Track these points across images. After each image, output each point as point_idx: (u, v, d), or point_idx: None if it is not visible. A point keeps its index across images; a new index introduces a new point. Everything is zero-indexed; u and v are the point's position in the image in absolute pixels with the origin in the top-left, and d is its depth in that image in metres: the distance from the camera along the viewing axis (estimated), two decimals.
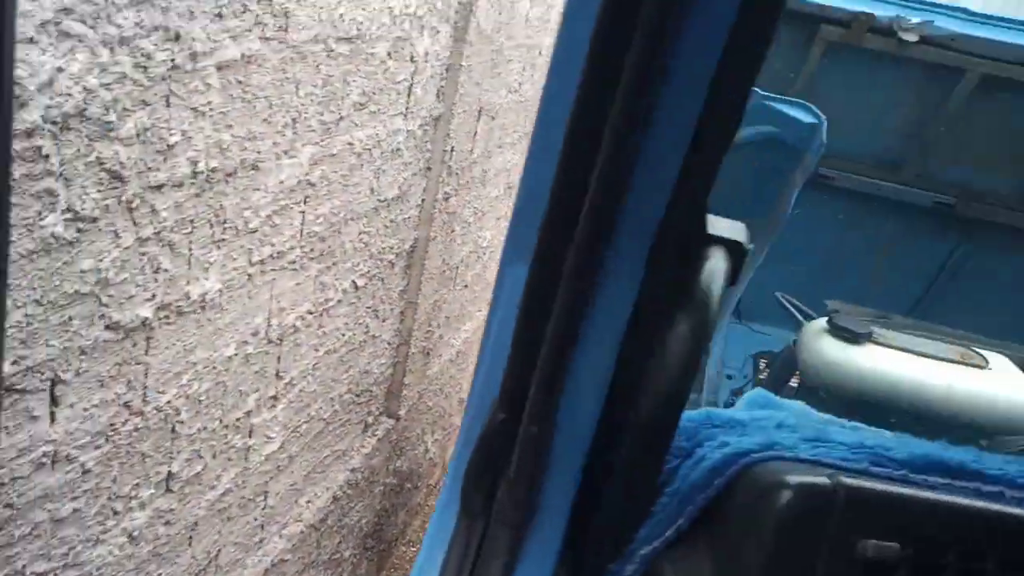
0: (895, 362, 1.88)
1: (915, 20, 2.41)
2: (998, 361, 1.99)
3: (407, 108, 2.34)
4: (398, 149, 2.37)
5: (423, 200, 2.73)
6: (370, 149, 2.16)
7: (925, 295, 3.16)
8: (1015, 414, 1.87)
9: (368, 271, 2.46)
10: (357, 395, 2.72)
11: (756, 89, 2.09)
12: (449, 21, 2.42)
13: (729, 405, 2.80)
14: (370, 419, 2.94)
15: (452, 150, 2.74)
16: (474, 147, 3.11)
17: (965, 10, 2.49)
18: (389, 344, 2.89)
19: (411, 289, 2.90)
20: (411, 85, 2.31)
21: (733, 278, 0.63)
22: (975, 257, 3.04)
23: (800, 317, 2.31)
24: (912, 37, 2.41)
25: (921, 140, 2.74)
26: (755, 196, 2.35)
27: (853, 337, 1.89)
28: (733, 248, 0.64)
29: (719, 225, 0.65)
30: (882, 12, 2.48)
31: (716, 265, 0.63)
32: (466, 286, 3.71)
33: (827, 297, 2.82)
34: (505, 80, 3.26)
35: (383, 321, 2.75)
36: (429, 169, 2.69)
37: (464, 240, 3.42)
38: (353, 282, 2.40)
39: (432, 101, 2.52)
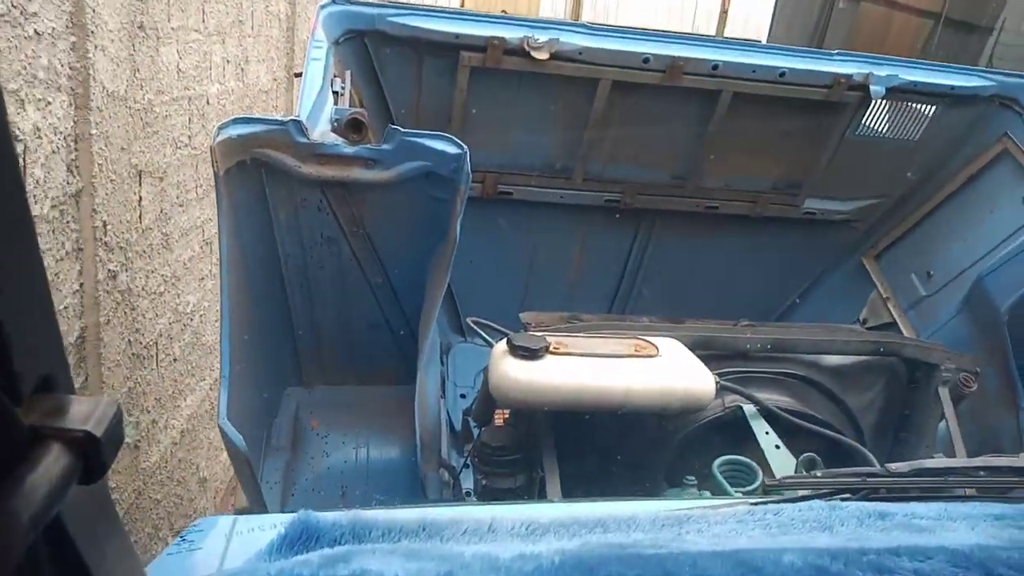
0: (574, 370, 1.94)
1: (543, 38, 2.55)
2: (667, 346, 2.12)
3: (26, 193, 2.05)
4: None
5: (81, 285, 2.42)
6: None
7: (620, 286, 3.39)
8: (687, 394, 2.01)
9: None
10: None
11: (397, 127, 2.08)
12: (62, 89, 2.15)
13: (465, 424, 2.80)
14: None
15: (105, 224, 2.46)
16: (142, 213, 2.83)
17: (585, 25, 2.69)
18: None
19: (91, 385, 2.57)
20: (23, 166, 2.02)
21: (90, 476, 0.51)
22: (652, 243, 3.31)
23: (490, 341, 2.34)
24: (543, 55, 2.55)
25: (579, 146, 2.93)
26: (432, 226, 2.34)
27: (530, 354, 1.93)
28: (80, 441, 0.49)
29: (79, 411, 0.50)
30: (512, 34, 2.60)
31: (42, 477, 0.47)
32: (175, 360, 3.39)
33: (540, 307, 2.90)
34: (168, 136, 3.01)
35: None
36: (80, 250, 2.39)
37: (158, 313, 3.12)
38: None
39: (63, 178, 2.23)
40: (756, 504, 0.94)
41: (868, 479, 1.13)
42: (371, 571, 0.60)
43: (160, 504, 3.32)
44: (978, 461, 1.24)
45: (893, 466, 1.17)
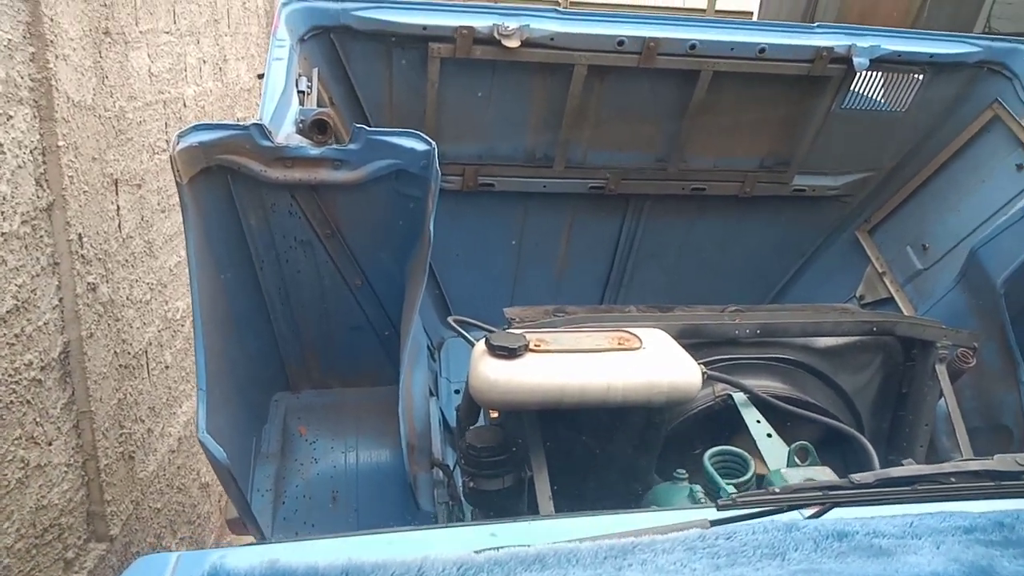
0: (553, 368, 1.90)
1: (513, 26, 2.49)
2: (652, 337, 2.07)
3: None
4: None
5: (60, 300, 2.40)
6: None
7: (611, 273, 3.34)
8: (671, 386, 1.96)
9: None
10: (39, 536, 2.35)
11: (363, 125, 2.02)
12: (24, 102, 2.11)
13: (459, 420, 2.76)
14: (70, 553, 2.57)
15: (81, 236, 2.43)
16: (121, 222, 2.80)
17: (556, 9, 2.62)
18: (68, 466, 2.52)
19: (79, 398, 2.55)
20: None
21: None
22: (641, 228, 3.26)
23: (472, 340, 2.30)
24: (514, 43, 2.48)
25: (559, 133, 2.86)
26: (408, 225, 2.29)
27: (509, 353, 1.89)
28: None
29: None
30: (480, 23, 2.54)
31: None
32: (167, 367, 3.37)
33: (530, 298, 2.85)
34: (144, 143, 2.97)
35: (48, 445, 2.39)
36: (57, 264, 2.36)
37: (145, 321, 3.09)
38: None
39: (32, 192, 2.20)
40: (712, 524, 0.90)
41: (829, 493, 1.09)
42: None
43: (161, 513, 3.31)
44: (948, 467, 1.20)
45: (857, 477, 1.13)
